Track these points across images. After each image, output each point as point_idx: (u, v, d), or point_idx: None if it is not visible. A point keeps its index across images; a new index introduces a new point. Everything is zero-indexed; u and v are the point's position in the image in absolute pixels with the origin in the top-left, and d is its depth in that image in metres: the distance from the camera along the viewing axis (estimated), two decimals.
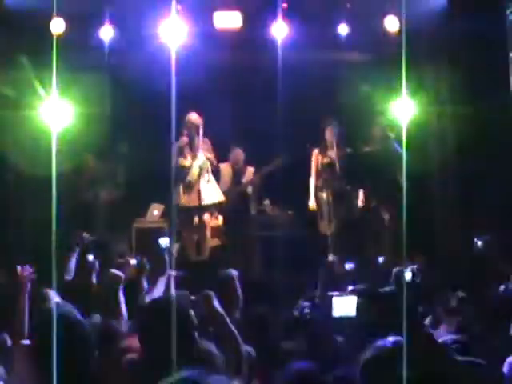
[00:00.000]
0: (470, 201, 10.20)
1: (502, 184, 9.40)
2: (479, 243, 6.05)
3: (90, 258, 6.37)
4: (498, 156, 9.56)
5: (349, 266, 7.27)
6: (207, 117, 9.25)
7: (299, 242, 8.96)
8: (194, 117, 9.01)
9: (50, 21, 9.94)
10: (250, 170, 9.55)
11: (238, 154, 9.60)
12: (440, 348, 3.45)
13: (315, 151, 9.44)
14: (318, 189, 9.39)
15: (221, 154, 9.72)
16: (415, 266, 6.33)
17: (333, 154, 9.28)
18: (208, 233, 9.04)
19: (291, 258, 8.16)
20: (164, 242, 5.74)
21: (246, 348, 3.90)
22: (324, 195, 9.27)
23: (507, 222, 9.26)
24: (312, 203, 9.43)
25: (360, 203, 9.57)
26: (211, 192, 8.94)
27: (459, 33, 10.06)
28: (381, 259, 8.68)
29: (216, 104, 10.20)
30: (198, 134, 8.93)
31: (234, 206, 9.34)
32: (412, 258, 8.37)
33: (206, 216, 9.06)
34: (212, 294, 3.66)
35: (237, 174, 9.55)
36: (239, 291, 5.24)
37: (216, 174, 9.42)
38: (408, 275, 5.62)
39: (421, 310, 4.91)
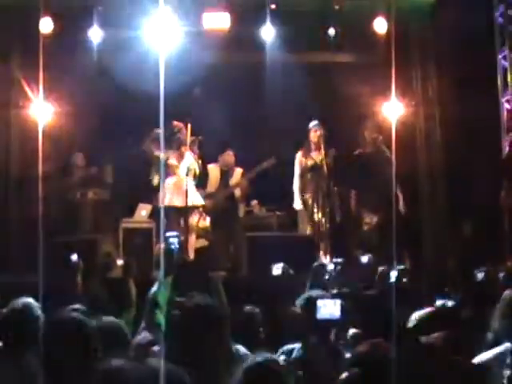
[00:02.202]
0: (456, 202, 10.26)
1: (489, 184, 9.47)
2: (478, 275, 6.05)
3: (74, 257, 6.22)
4: (485, 156, 9.64)
5: (334, 267, 7.26)
6: (195, 117, 9.21)
7: (287, 243, 8.93)
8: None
9: (38, 19, 9.94)
10: (239, 171, 9.51)
11: (229, 156, 9.54)
12: (428, 349, 3.47)
13: (299, 153, 9.41)
14: (302, 191, 9.35)
15: (210, 154, 9.68)
16: (402, 267, 6.34)
17: (317, 155, 9.26)
18: (193, 234, 9.01)
19: (279, 258, 8.13)
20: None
21: (236, 346, 3.92)
22: (308, 197, 9.25)
23: (492, 220, 9.35)
24: (297, 205, 9.38)
25: (347, 204, 9.57)
26: (198, 193, 8.91)
27: (447, 34, 10.11)
28: (366, 260, 8.69)
29: (204, 105, 10.20)
30: (186, 134, 8.89)
31: (222, 207, 9.32)
32: (399, 258, 8.40)
33: (193, 217, 9.03)
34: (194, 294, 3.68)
35: (225, 175, 9.51)
36: (223, 294, 5.25)
37: (204, 175, 9.38)
38: (394, 276, 5.62)
39: (405, 310, 4.91)
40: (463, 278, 6.22)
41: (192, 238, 8.96)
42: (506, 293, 3.68)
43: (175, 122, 8.84)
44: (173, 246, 4.88)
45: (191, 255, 8.88)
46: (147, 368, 2.43)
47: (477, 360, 3.34)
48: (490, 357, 3.17)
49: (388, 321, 3.37)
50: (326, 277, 6.38)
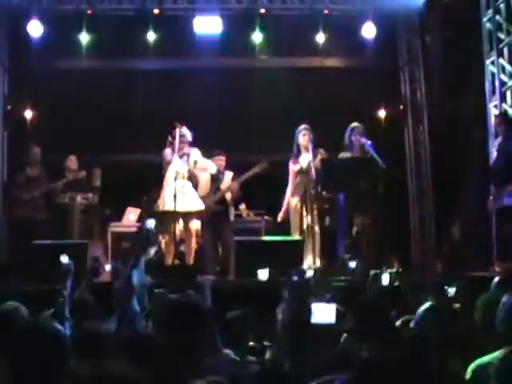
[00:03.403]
0: (444, 206, 10.25)
1: (477, 188, 9.45)
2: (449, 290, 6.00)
3: (65, 259, 6.01)
4: (473, 160, 9.62)
5: (313, 273, 7.20)
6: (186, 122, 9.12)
7: (275, 248, 8.86)
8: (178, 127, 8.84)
9: (27, 21, 9.86)
10: (229, 174, 9.40)
11: (219, 161, 9.41)
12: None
13: (291, 160, 9.31)
14: (291, 195, 9.25)
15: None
16: (393, 270, 6.30)
17: (305, 159, 9.17)
18: (192, 239, 8.94)
19: (267, 263, 8.09)
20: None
21: (225, 350, 3.87)
22: (296, 201, 9.16)
23: (480, 224, 9.34)
24: (280, 217, 9.26)
25: (336, 209, 9.50)
26: (187, 199, 8.81)
27: (435, 39, 10.11)
28: (354, 265, 8.62)
29: (196, 108, 10.17)
30: (175, 138, 8.81)
31: (213, 211, 9.23)
32: (389, 262, 8.35)
33: (183, 221, 8.94)
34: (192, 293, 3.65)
35: (215, 180, 9.40)
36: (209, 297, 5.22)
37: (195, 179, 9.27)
38: (386, 279, 5.57)
39: (395, 313, 4.89)
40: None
41: (191, 243, 8.87)
42: (505, 298, 3.63)
43: (181, 129, 8.74)
44: (148, 227, 4.83)
45: (190, 260, 8.80)
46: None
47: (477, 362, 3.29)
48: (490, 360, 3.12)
49: (382, 324, 3.33)
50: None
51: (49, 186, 9.63)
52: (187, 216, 8.77)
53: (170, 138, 8.74)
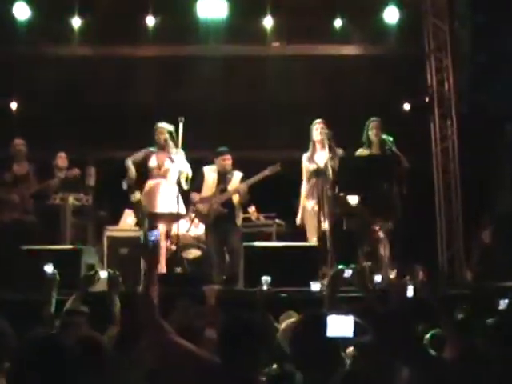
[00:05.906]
0: (474, 210, 10.18)
1: (508, 183, 9.40)
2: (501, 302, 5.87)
3: (49, 269, 5.93)
4: (506, 159, 9.56)
5: (352, 273, 7.07)
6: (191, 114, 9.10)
7: (288, 254, 8.82)
8: (162, 124, 8.88)
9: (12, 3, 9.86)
10: (238, 175, 9.27)
11: (226, 159, 9.29)
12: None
13: (304, 156, 9.22)
14: (305, 197, 9.18)
15: (206, 155, 9.55)
16: (418, 281, 6.22)
17: (321, 157, 9.10)
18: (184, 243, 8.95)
19: (279, 271, 8.04)
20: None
21: None
22: (313, 204, 9.08)
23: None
24: (299, 220, 9.19)
25: (354, 211, 9.43)
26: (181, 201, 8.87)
27: (465, 24, 10.06)
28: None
29: (200, 101, 10.14)
30: (173, 136, 8.84)
31: (218, 214, 9.16)
32: (413, 272, 8.26)
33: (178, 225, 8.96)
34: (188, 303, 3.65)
35: (223, 179, 9.31)
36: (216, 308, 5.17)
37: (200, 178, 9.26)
38: (410, 291, 5.50)
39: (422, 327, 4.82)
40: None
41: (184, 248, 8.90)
42: None
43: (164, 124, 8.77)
44: (153, 238, 4.80)
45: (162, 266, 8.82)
46: None
47: None
48: None
49: (406, 337, 3.27)
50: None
51: (39, 186, 9.58)
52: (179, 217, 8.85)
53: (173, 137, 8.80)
